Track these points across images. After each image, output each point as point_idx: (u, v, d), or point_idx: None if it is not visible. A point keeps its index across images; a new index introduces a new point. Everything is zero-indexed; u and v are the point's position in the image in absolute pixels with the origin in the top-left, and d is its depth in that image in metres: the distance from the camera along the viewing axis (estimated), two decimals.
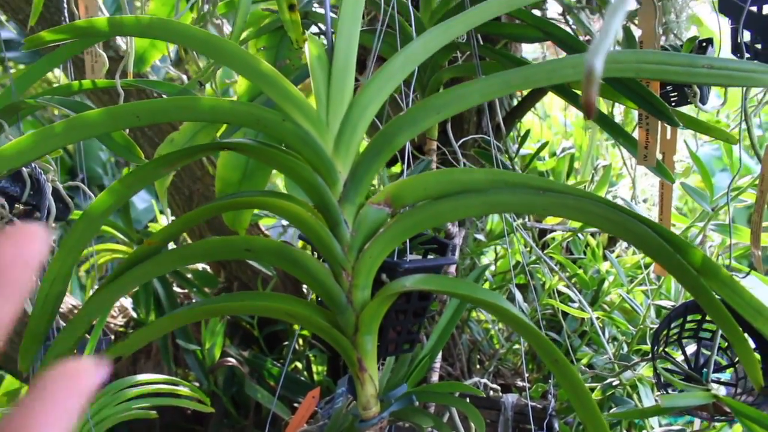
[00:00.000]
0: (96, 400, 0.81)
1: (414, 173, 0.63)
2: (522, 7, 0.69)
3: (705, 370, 0.65)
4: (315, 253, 0.58)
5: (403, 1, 0.77)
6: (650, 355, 0.87)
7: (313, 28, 0.90)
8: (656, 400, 0.87)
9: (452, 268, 0.85)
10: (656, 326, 0.98)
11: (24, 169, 0.74)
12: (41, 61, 0.78)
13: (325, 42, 0.56)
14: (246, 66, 0.53)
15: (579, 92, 0.77)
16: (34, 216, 0.77)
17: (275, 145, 0.52)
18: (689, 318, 0.67)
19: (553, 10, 1.20)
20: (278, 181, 1.65)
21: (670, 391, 0.67)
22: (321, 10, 0.88)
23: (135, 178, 0.56)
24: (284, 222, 1.44)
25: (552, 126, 1.81)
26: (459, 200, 0.50)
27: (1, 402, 1.08)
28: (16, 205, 0.76)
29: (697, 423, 1.01)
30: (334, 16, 0.87)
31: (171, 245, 0.64)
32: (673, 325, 0.66)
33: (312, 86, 0.52)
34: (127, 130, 0.71)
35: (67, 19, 0.96)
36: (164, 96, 0.80)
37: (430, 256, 0.66)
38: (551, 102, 1.95)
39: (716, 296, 0.49)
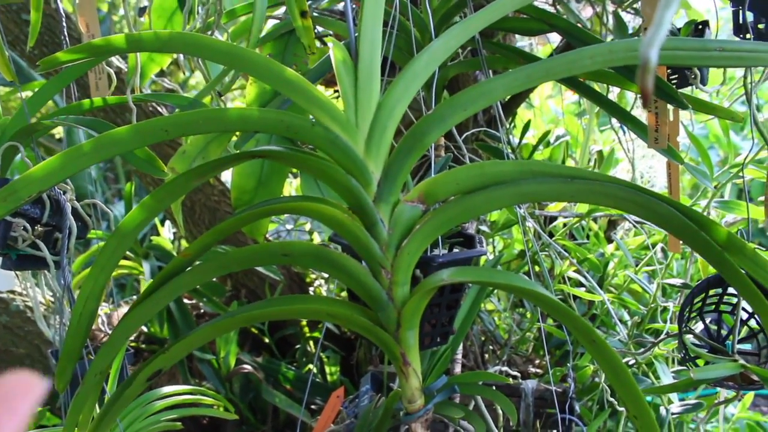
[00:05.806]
0: (128, 413, 0.82)
1: (435, 170, 0.65)
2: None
3: (728, 342, 0.67)
4: (348, 253, 0.59)
5: (405, 3, 0.79)
6: (666, 333, 0.89)
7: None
8: (674, 376, 0.90)
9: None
10: (667, 303, 1.00)
11: None
12: (51, 81, 0.78)
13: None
14: (271, 74, 0.54)
15: (585, 81, 0.79)
16: (54, 236, 0.77)
17: (308, 151, 0.53)
18: (711, 292, 0.70)
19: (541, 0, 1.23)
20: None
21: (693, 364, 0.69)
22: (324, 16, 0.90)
23: (166, 192, 0.56)
24: (288, 226, 1.45)
25: (542, 114, 1.83)
26: (491, 192, 0.51)
27: None
28: (36, 227, 0.76)
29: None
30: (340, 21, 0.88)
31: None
32: (695, 300, 0.69)
33: (339, 90, 0.53)
34: None
35: (67, 39, 0.96)
36: (176, 109, 0.80)
37: (455, 250, 0.67)
38: (539, 90, 1.98)
39: (741, 270, 0.51)
